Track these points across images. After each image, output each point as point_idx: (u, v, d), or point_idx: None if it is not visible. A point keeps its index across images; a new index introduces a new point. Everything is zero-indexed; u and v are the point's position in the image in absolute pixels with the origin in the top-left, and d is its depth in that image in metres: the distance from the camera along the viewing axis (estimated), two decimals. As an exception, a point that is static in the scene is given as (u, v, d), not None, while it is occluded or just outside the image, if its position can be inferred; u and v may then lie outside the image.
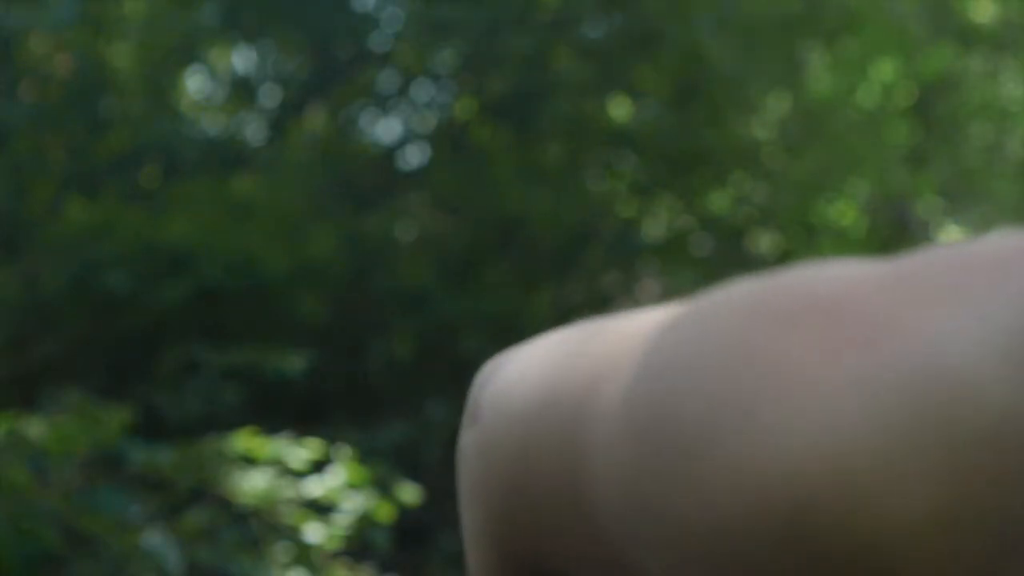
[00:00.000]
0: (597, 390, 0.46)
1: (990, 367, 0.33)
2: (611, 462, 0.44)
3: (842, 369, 0.35)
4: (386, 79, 6.64)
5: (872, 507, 0.34)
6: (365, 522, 3.38)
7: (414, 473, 4.68)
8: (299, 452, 3.37)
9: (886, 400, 0.34)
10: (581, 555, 0.50)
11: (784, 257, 6.70)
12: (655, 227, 6.70)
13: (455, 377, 5.44)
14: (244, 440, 3.32)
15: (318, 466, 3.42)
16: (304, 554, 3.24)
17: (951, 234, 8.01)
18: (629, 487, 0.42)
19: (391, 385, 5.59)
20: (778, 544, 0.36)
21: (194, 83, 6.73)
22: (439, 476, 4.99)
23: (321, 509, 3.35)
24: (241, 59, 6.80)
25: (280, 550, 3.26)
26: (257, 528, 3.27)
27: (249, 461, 3.33)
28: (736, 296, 0.41)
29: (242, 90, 6.73)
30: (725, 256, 6.59)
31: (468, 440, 0.57)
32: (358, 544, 3.41)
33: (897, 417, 0.34)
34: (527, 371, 0.53)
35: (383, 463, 3.66)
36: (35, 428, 3.16)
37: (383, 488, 3.50)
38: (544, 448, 0.50)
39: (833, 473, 0.35)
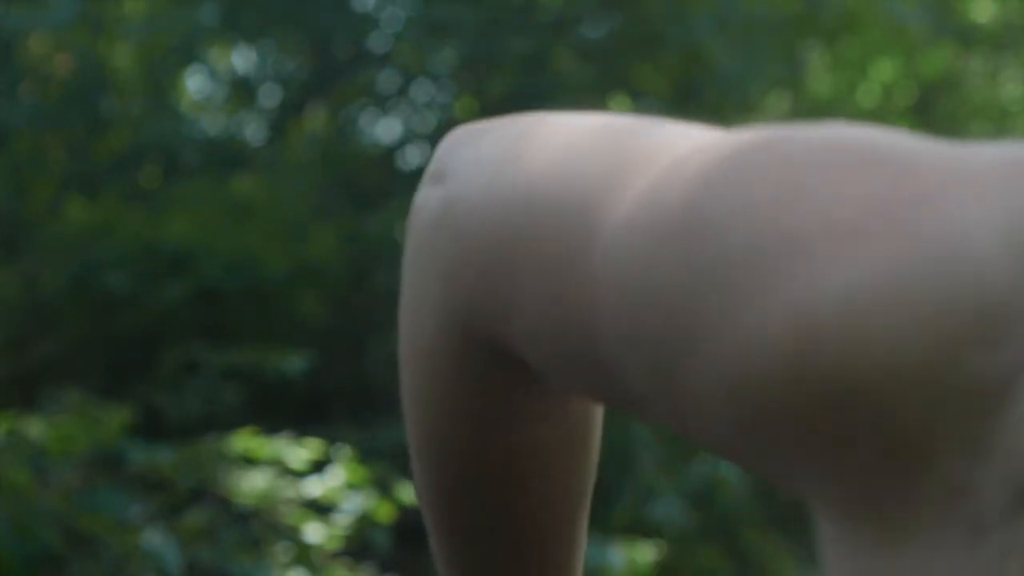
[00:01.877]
0: (625, 189, 0.46)
1: (999, 256, 0.37)
2: (629, 269, 0.44)
3: (884, 234, 0.39)
4: (386, 79, 6.64)
5: (870, 352, 0.38)
6: (365, 522, 3.37)
7: (414, 473, 4.66)
8: (299, 452, 3.36)
9: (906, 267, 0.38)
10: (561, 354, 0.49)
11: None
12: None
13: (455, 377, 5.42)
14: (244, 440, 3.32)
15: (318, 466, 3.42)
16: (304, 554, 3.24)
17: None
18: (644, 289, 0.43)
19: (391, 385, 5.58)
20: (787, 381, 0.40)
21: (194, 83, 6.73)
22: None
23: (321, 509, 3.34)
24: (241, 59, 6.80)
25: (280, 550, 3.26)
26: (257, 528, 3.27)
27: (249, 461, 3.33)
28: (793, 137, 0.43)
29: (242, 90, 6.73)
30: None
31: (430, 200, 0.54)
32: (358, 544, 3.41)
33: (909, 282, 0.38)
34: (528, 149, 0.51)
35: (383, 463, 3.65)
36: (35, 428, 3.15)
37: (383, 488, 3.50)
38: (545, 234, 0.48)
39: (843, 318, 0.39)
